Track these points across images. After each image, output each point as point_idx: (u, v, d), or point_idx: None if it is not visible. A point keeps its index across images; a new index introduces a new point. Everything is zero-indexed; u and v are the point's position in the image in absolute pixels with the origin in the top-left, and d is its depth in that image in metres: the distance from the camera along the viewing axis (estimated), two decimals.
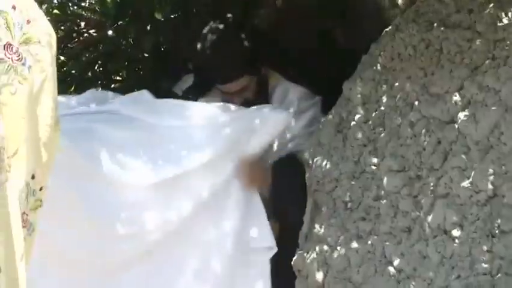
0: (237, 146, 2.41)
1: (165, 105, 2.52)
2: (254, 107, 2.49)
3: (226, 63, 2.58)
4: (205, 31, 2.68)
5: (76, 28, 3.55)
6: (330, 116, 2.28)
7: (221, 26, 2.69)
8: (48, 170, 1.28)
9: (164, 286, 2.35)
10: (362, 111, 2.19)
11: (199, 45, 2.66)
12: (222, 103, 2.54)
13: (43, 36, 1.26)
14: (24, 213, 1.21)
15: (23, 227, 1.21)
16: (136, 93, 2.64)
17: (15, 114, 1.16)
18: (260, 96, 2.65)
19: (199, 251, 2.38)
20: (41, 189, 1.25)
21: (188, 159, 2.36)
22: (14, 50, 1.18)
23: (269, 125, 2.45)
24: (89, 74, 3.53)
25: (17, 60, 1.18)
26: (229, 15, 2.75)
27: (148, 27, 3.18)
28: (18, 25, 1.20)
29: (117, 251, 2.28)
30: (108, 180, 2.26)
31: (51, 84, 1.28)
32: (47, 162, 1.27)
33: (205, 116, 2.46)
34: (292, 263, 2.21)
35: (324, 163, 2.21)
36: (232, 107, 2.52)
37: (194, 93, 2.78)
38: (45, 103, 1.26)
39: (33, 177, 1.23)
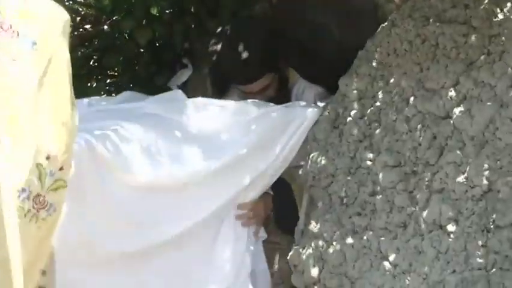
0: (267, 143, 2.40)
1: (195, 103, 2.52)
2: (285, 104, 2.48)
3: (248, 64, 2.58)
4: (223, 32, 2.69)
5: (71, 23, 3.53)
6: (326, 112, 2.28)
7: (238, 26, 2.71)
8: (70, 150, 1.24)
9: (183, 278, 2.37)
10: (357, 107, 2.19)
11: (218, 47, 2.67)
12: (252, 100, 2.55)
13: (46, 12, 1.22)
14: (38, 194, 1.18)
15: (42, 208, 1.18)
16: (168, 93, 2.64)
17: (5, 94, 1.12)
18: (281, 93, 2.66)
19: (217, 246, 2.41)
20: (61, 169, 1.21)
21: (219, 155, 2.36)
22: (5, 28, 1.15)
23: (303, 122, 2.40)
24: (85, 69, 3.53)
25: (11, 37, 1.15)
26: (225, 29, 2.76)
27: (144, 22, 3.17)
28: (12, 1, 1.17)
29: (137, 242, 2.30)
30: (128, 176, 2.27)
31: (63, 61, 1.23)
32: (67, 141, 1.23)
33: (236, 113, 2.45)
34: (288, 258, 2.22)
35: (320, 159, 2.22)
36: (263, 103, 2.51)
37: (212, 94, 2.79)
38: (59, 81, 1.21)
39: (48, 157, 1.19)
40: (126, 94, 2.65)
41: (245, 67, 2.58)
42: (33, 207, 1.17)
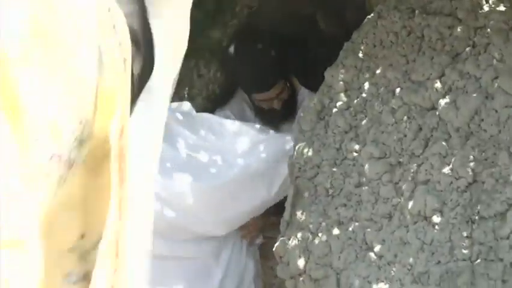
0: (268, 170, 2.44)
1: (200, 117, 2.55)
2: (286, 134, 2.52)
3: (264, 73, 2.66)
4: (234, 44, 2.74)
5: None
6: (312, 103, 2.28)
7: (248, 35, 2.79)
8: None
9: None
10: (344, 98, 2.19)
11: (231, 59, 2.75)
12: (256, 125, 2.60)
13: None
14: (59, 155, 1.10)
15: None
16: (177, 103, 2.67)
17: None
18: (293, 97, 2.75)
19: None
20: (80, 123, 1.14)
21: (222, 171, 2.40)
22: None
23: None
24: None
25: None
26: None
27: None
28: None
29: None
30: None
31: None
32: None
33: (237, 133, 2.49)
34: (274, 249, 2.22)
35: (306, 150, 2.21)
36: (265, 129, 2.58)
37: (220, 102, 2.84)
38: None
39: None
40: None
41: (261, 75, 2.64)
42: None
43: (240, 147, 2.46)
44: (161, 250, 2.33)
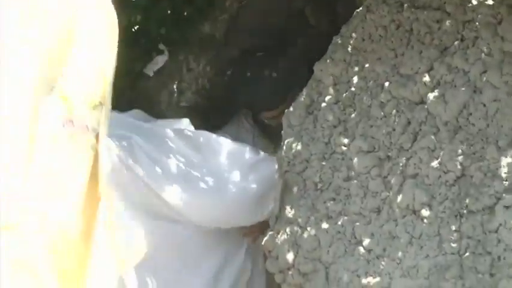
0: (261, 192, 2.45)
1: (198, 135, 2.56)
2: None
3: (274, 90, 2.69)
4: (242, 65, 2.75)
5: None
6: (301, 98, 2.28)
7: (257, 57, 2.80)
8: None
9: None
10: (332, 92, 2.19)
11: (238, 78, 2.77)
12: (247, 147, 2.60)
13: None
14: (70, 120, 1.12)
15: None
16: (177, 120, 2.71)
17: None
18: None
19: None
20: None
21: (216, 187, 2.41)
22: None
23: None
24: None
25: None
26: None
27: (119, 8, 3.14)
28: None
29: None
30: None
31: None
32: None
33: (233, 154, 2.50)
34: (262, 244, 2.22)
35: (294, 144, 2.21)
36: (258, 151, 2.59)
37: (217, 122, 2.85)
38: None
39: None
40: (134, 112, 2.69)
41: (272, 93, 2.64)
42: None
43: (235, 168, 2.47)
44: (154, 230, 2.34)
